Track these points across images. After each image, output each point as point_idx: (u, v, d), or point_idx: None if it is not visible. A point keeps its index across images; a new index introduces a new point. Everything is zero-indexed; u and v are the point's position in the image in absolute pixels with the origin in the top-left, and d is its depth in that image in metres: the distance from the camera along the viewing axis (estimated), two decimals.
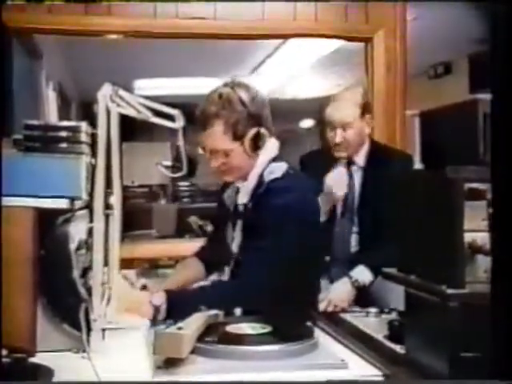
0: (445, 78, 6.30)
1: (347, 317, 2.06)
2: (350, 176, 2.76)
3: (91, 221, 1.71)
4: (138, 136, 5.69)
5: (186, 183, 6.72)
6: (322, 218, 2.28)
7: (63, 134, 1.71)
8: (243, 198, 2.15)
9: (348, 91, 2.84)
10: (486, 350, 1.24)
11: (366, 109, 2.73)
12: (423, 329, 1.48)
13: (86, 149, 1.72)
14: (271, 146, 2.15)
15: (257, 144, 2.09)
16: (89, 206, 1.73)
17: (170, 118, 1.79)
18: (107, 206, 1.71)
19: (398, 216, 1.64)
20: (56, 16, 3.37)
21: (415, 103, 3.23)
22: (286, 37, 4.12)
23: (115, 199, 1.72)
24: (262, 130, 2.09)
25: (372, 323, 1.95)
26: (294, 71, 6.14)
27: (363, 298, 2.48)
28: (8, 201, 1.58)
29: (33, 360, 1.54)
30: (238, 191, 2.19)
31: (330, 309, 2.35)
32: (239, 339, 1.62)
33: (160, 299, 1.90)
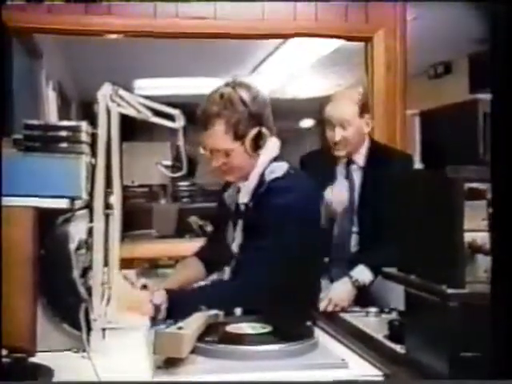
0: (445, 77, 6.30)
1: (347, 316, 2.06)
2: (350, 176, 2.77)
3: (91, 220, 1.71)
4: (138, 136, 5.69)
5: (186, 183, 6.72)
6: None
7: (63, 133, 1.71)
8: (244, 198, 2.15)
9: (347, 90, 2.85)
10: (486, 350, 1.24)
11: (364, 108, 2.73)
12: (423, 329, 1.48)
13: (86, 148, 1.72)
14: (272, 146, 2.15)
15: (258, 144, 2.09)
16: (89, 206, 1.73)
17: (170, 117, 1.79)
18: (107, 206, 1.71)
19: (398, 216, 1.64)
20: (56, 16, 3.37)
21: (415, 103, 3.23)
22: (286, 36, 4.12)
23: (115, 199, 1.72)
24: (263, 130, 2.09)
25: (372, 323, 1.95)
26: (294, 71, 6.14)
27: (363, 297, 2.48)
28: (8, 201, 1.59)
29: (33, 360, 1.54)
30: (238, 191, 2.19)
31: (330, 308, 2.35)
32: (239, 339, 1.62)
33: (160, 298, 1.90)
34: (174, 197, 6.65)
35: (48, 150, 1.70)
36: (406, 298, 1.56)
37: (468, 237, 1.34)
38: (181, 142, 1.82)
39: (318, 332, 1.75)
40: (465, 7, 3.76)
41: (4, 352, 1.50)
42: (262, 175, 2.12)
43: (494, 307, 1.22)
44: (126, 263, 1.92)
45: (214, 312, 1.72)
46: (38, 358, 1.55)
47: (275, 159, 2.15)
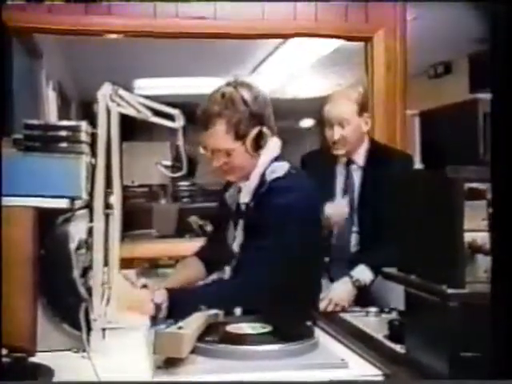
0: (445, 77, 6.30)
1: (347, 316, 2.06)
2: (350, 175, 2.77)
3: (91, 220, 1.71)
4: (137, 135, 5.69)
5: (186, 183, 6.72)
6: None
7: (63, 133, 1.71)
8: (245, 198, 2.15)
9: (345, 90, 2.86)
10: (486, 350, 1.24)
11: (363, 106, 2.74)
12: (423, 328, 1.48)
13: (85, 148, 1.72)
14: (273, 146, 2.16)
15: (259, 143, 2.09)
16: (89, 206, 1.73)
17: (170, 117, 1.79)
18: (107, 206, 1.71)
19: (398, 216, 1.64)
20: (56, 16, 3.37)
21: (415, 103, 3.23)
22: (286, 36, 4.12)
23: (115, 199, 1.72)
24: (264, 130, 2.09)
25: (372, 323, 1.95)
26: (294, 71, 6.14)
27: (363, 297, 2.48)
28: (8, 200, 1.58)
29: (33, 360, 1.54)
30: (239, 191, 2.19)
31: (331, 308, 2.35)
32: (239, 339, 1.62)
33: (161, 297, 1.90)
34: (174, 197, 6.66)
35: (48, 149, 1.70)
36: (406, 297, 1.56)
37: (468, 237, 1.34)
38: (181, 141, 1.82)
39: (318, 332, 1.75)
40: (465, 7, 3.76)
41: (4, 352, 1.50)
42: (263, 175, 2.12)
43: (494, 307, 1.22)
44: (126, 263, 1.92)
45: (213, 312, 1.72)
46: (38, 358, 1.55)
47: (276, 159, 2.15)
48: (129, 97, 1.73)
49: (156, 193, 6.51)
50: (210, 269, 2.39)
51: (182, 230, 5.15)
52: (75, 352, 1.64)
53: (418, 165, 1.56)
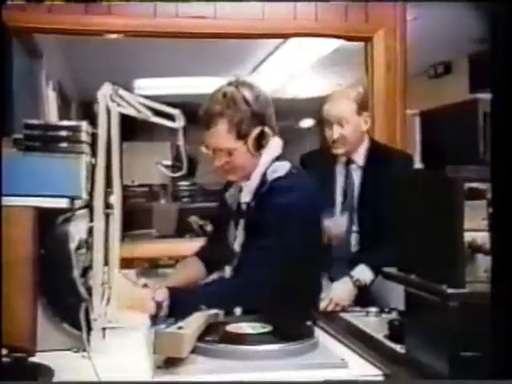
0: (445, 77, 6.30)
1: (347, 316, 2.06)
2: (350, 175, 2.77)
3: (91, 220, 1.71)
4: (138, 135, 5.68)
5: (186, 183, 6.71)
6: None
7: (63, 133, 1.71)
8: (246, 197, 2.15)
9: (344, 89, 2.86)
10: (486, 350, 1.24)
11: (362, 105, 2.74)
12: (423, 328, 1.48)
13: (86, 148, 1.72)
14: (274, 145, 2.16)
15: (260, 143, 2.10)
16: (89, 206, 1.73)
17: (170, 117, 1.79)
18: (107, 206, 1.71)
19: (398, 215, 1.64)
20: (56, 15, 3.37)
21: (415, 103, 3.23)
22: (286, 36, 4.12)
23: (115, 198, 1.72)
24: (266, 129, 2.10)
25: (372, 323, 1.95)
26: (294, 71, 6.14)
27: (363, 297, 2.48)
28: (8, 200, 1.58)
29: (33, 359, 1.54)
30: (240, 190, 2.19)
31: (331, 308, 2.35)
32: (239, 339, 1.62)
33: (162, 295, 1.90)
34: (174, 196, 6.65)
35: (48, 149, 1.70)
36: (406, 297, 1.56)
37: (468, 236, 1.34)
38: (181, 141, 1.82)
39: (318, 332, 1.75)
40: (465, 7, 3.76)
41: (4, 351, 1.50)
42: (264, 174, 2.12)
43: (494, 307, 1.22)
44: (126, 263, 1.92)
45: (214, 312, 1.72)
46: (38, 358, 1.55)
47: (277, 159, 2.15)
48: (129, 97, 1.73)
49: (156, 193, 6.50)
50: (210, 269, 2.39)
51: (182, 229, 5.14)
52: (75, 352, 1.64)
53: (418, 164, 1.56)
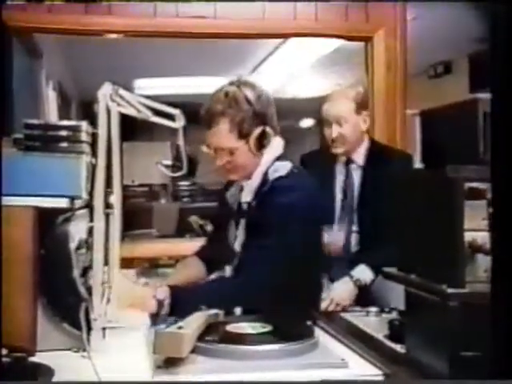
0: (445, 77, 6.30)
1: (347, 316, 2.06)
2: (349, 175, 2.77)
3: (91, 220, 1.71)
4: (138, 135, 5.68)
5: (187, 183, 6.71)
6: None
7: (63, 133, 1.71)
8: (247, 197, 2.15)
9: (343, 89, 2.86)
10: (486, 350, 1.24)
11: (361, 105, 2.74)
12: (423, 328, 1.48)
13: (86, 148, 1.72)
14: (276, 145, 2.16)
15: (262, 143, 2.10)
16: (89, 206, 1.73)
17: (171, 117, 1.79)
18: (107, 206, 1.71)
19: (398, 215, 1.64)
20: (56, 15, 3.37)
21: (415, 102, 3.23)
22: (286, 36, 4.12)
23: (115, 198, 1.72)
24: (268, 129, 2.10)
25: (372, 322, 1.95)
26: (294, 70, 6.14)
27: (363, 297, 2.48)
28: (8, 200, 1.58)
29: (33, 359, 1.54)
30: (241, 190, 2.20)
31: (332, 308, 2.35)
32: (239, 338, 1.62)
33: (164, 294, 1.90)
34: (175, 196, 6.64)
35: (48, 149, 1.70)
36: (406, 297, 1.56)
37: (468, 236, 1.34)
38: (181, 141, 1.82)
39: (318, 332, 1.75)
40: (465, 7, 3.76)
41: (4, 351, 1.50)
42: (266, 174, 2.12)
43: (494, 307, 1.22)
44: (126, 263, 1.92)
45: (214, 311, 1.72)
46: (38, 358, 1.55)
47: (279, 158, 2.15)
48: (129, 96, 1.73)
49: (156, 192, 6.50)
50: (211, 268, 2.39)
51: (183, 229, 5.14)
52: (75, 352, 1.64)
53: (418, 164, 1.56)
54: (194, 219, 4.66)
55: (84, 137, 1.72)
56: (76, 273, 1.68)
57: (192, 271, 2.40)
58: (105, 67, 4.31)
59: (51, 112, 4.71)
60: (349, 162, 2.77)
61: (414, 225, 1.53)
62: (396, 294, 1.75)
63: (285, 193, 2.05)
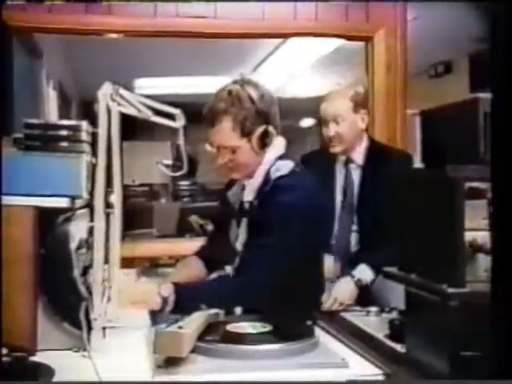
0: (445, 77, 6.30)
1: (348, 316, 2.06)
2: (349, 174, 2.77)
3: (92, 220, 1.71)
4: (138, 135, 5.69)
5: (187, 182, 6.72)
6: None
7: (63, 132, 1.71)
8: (249, 196, 2.15)
9: (341, 88, 2.87)
10: (487, 350, 1.24)
11: (359, 104, 2.74)
12: (424, 328, 1.48)
13: (86, 148, 1.72)
14: (278, 144, 2.16)
15: (264, 141, 2.10)
16: (89, 205, 1.73)
17: (171, 117, 1.79)
18: (108, 205, 1.71)
19: (398, 215, 1.64)
20: (56, 15, 3.37)
21: (415, 102, 3.23)
22: (286, 36, 4.12)
23: (116, 198, 1.73)
24: (270, 128, 2.10)
25: (373, 322, 1.95)
26: (295, 70, 6.14)
27: (364, 297, 2.48)
28: (8, 200, 1.58)
29: (33, 359, 1.54)
30: (243, 188, 2.20)
31: (336, 307, 2.35)
32: (240, 338, 1.62)
33: (168, 290, 1.90)
34: (175, 196, 6.65)
35: (48, 149, 1.70)
36: (406, 297, 1.56)
37: (468, 236, 1.34)
38: (181, 141, 1.82)
39: (318, 331, 1.75)
40: (465, 7, 3.76)
41: (4, 351, 1.50)
42: (268, 173, 2.12)
43: (494, 306, 1.21)
44: (126, 262, 1.92)
45: (214, 311, 1.73)
46: (39, 357, 1.55)
47: (281, 157, 2.16)
48: (129, 96, 1.73)
49: (157, 192, 6.50)
50: (211, 268, 2.39)
51: (183, 229, 5.14)
52: (76, 351, 1.64)
53: (418, 164, 1.56)
54: (194, 219, 4.66)
55: (84, 136, 1.72)
56: (76, 272, 1.68)
57: (192, 271, 2.40)
58: (105, 67, 4.31)
59: (51, 111, 4.72)
60: (348, 161, 2.77)
61: (414, 224, 1.53)
62: (396, 294, 1.75)
63: (287, 192, 2.05)
